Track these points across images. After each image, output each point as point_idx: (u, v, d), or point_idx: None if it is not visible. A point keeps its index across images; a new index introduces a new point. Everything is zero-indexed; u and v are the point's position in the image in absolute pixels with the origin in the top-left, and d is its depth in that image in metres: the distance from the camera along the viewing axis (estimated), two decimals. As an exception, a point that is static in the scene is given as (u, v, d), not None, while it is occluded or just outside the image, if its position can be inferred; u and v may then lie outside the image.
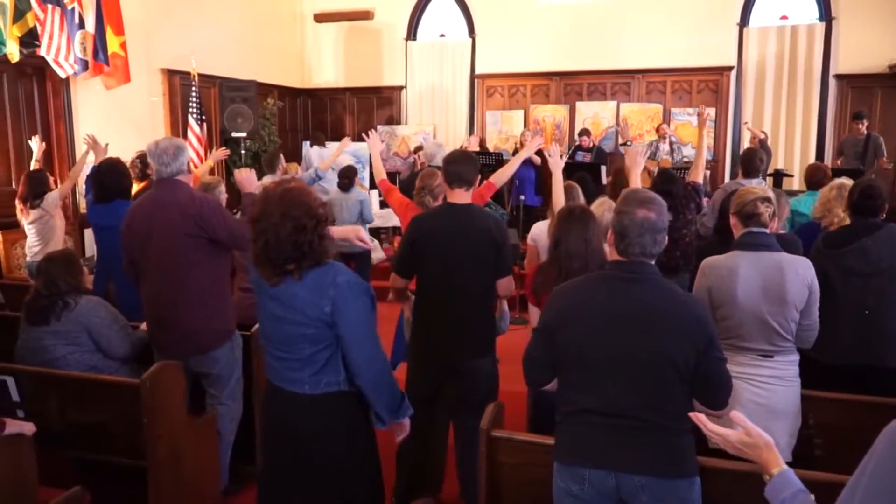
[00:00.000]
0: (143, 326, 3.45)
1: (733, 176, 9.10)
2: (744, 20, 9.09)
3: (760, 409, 2.56)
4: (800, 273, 2.58)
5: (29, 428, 2.40)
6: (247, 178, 3.36)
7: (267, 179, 6.30)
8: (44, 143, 5.55)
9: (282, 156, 6.46)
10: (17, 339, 3.16)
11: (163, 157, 3.11)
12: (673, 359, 1.90)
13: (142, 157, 5.63)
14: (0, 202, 6.14)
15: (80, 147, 6.57)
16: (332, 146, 7.77)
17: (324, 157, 7.53)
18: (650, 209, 1.97)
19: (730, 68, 9.15)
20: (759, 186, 3.51)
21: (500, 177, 3.86)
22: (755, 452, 1.50)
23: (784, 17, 9.04)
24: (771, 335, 2.60)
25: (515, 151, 8.95)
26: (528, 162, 8.39)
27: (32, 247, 4.84)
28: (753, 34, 9.06)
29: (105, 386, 2.95)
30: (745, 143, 8.87)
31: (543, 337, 2.08)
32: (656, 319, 1.93)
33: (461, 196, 3.06)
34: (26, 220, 4.83)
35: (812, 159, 8.48)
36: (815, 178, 4.92)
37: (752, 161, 4.82)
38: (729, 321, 2.63)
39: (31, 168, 5.22)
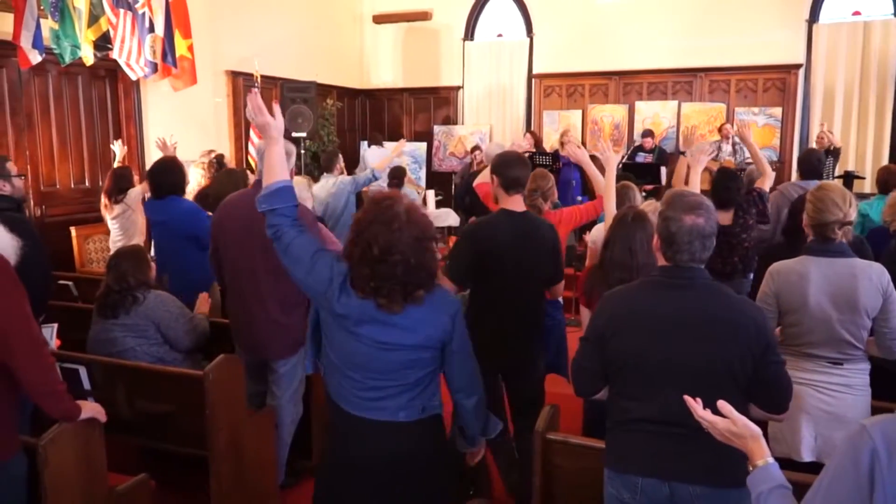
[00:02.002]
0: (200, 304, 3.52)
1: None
2: (813, 16, 8.75)
3: (827, 417, 2.50)
4: (873, 280, 2.47)
5: (100, 411, 2.44)
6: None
7: (323, 180, 6.39)
8: (125, 147, 5.76)
9: (340, 156, 6.52)
10: (89, 330, 3.29)
11: None
12: (730, 366, 1.84)
13: (219, 158, 5.79)
14: (75, 199, 6.43)
15: (149, 146, 6.84)
16: (390, 146, 7.82)
17: (381, 157, 7.60)
18: (698, 214, 1.88)
19: (798, 66, 8.82)
20: None
21: (609, 190, 3.49)
22: (741, 442, 1.50)
23: (856, 13, 8.67)
24: (841, 344, 2.51)
25: (556, 152, 8.81)
26: (573, 164, 8.26)
27: (116, 241, 4.89)
28: (823, 31, 8.71)
29: (170, 377, 3.05)
30: (812, 145, 8.55)
31: (594, 345, 2.02)
32: (712, 325, 1.87)
33: (517, 203, 2.93)
34: (110, 215, 4.91)
35: (885, 161, 8.10)
36: (887, 181, 4.71)
37: (809, 162, 4.64)
38: (798, 328, 2.55)
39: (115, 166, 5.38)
